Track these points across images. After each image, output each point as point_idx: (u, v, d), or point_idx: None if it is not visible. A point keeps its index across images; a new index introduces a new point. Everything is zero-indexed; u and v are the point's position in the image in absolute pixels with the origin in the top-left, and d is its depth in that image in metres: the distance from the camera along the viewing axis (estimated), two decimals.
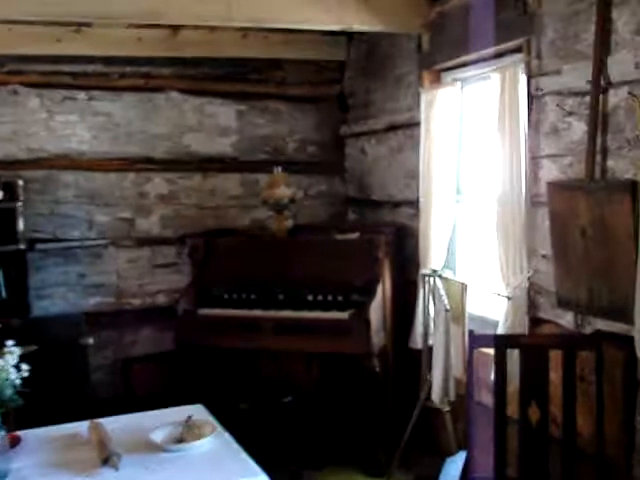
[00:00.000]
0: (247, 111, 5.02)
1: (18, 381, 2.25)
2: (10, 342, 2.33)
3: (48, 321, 4.39)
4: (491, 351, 3.02)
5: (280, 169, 4.48)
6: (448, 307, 3.42)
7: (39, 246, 4.49)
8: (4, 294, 4.13)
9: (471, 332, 3.02)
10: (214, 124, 4.94)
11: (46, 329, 4.21)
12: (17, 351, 2.30)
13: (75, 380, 3.85)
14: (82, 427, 2.64)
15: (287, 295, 4.29)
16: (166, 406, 4.29)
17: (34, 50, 4.41)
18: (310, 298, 4.23)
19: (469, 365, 3.00)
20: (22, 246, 4.01)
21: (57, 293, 4.63)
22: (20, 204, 4.02)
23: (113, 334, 4.74)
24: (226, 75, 4.96)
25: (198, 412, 2.78)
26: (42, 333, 4.13)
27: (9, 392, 2.22)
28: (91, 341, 3.90)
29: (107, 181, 4.70)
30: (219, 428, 2.59)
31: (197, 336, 4.28)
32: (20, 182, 4.21)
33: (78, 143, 4.63)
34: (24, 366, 2.28)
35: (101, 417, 3.78)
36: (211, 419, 2.68)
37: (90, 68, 4.65)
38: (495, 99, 3.39)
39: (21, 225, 3.98)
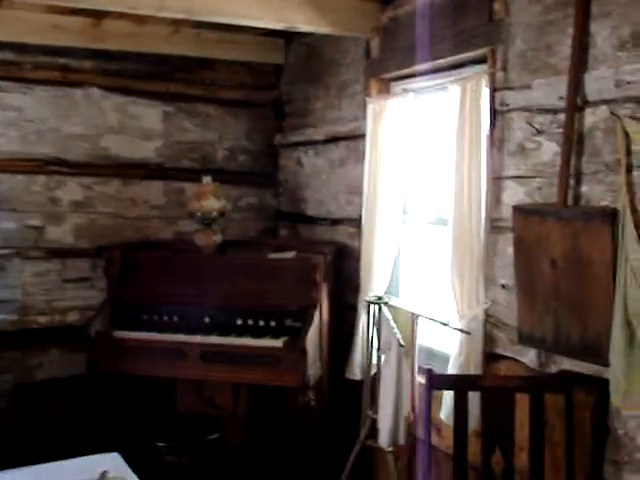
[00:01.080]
0: (174, 113, 4.60)
1: None
2: None
3: None
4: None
5: (209, 178, 4.09)
6: (402, 342, 3.08)
7: None
8: None
9: (429, 371, 2.69)
10: (137, 126, 4.50)
11: None
12: None
13: None
14: None
15: (214, 318, 3.91)
16: (73, 438, 3.90)
17: None
18: (240, 322, 3.86)
19: (426, 407, 2.67)
20: None
21: None
22: None
23: (15, 356, 4.23)
24: (153, 73, 4.53)
25: (114, 463, 2.36)
26: None
27: None
28: None
29: (14, 184, 4.20)
30: None
31: (112, 361, 3.86)
32: None
33: None
34: None
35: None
36: (130, 474, 2.26)
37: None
38: (454, 113, 3.09)
39: None
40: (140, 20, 4.06)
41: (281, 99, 4.91)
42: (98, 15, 3.95)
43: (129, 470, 2.32)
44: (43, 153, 4.25)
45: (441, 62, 3.37)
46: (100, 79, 4.41)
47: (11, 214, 4.19)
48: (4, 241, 4.18)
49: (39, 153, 4.24)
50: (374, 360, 3.39)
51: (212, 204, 4.02)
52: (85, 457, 2.45)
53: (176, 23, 4.13)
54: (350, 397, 3.80)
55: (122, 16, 3.87)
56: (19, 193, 4.20)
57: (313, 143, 4.50)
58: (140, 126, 4.50)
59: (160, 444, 3.58)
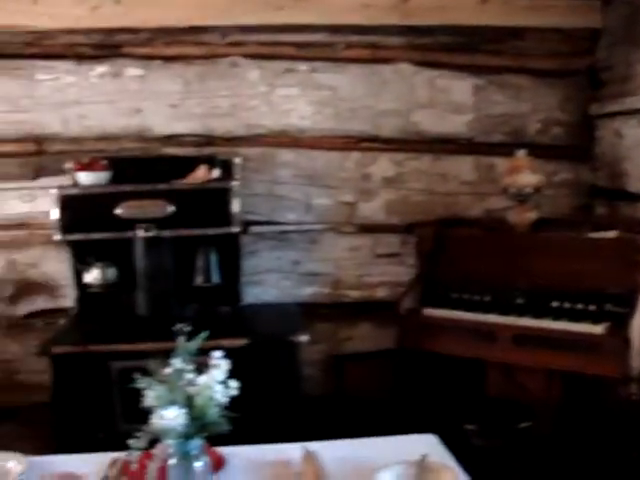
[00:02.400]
0: (484, 86, 4.43)
1: (224, 400, 1.86)
2: (217, 354, 1.95)
3: (260, 310, 4.09)
4: None
5: (524, 152, 3.88)
6: None
7: (253, 229, 4.19)
8: (218, 279, 3.86)
9: None
10: (447, 100, 4.39)
11: (257, 319, 3.90)
12: (225, 365, 1.91)
13: (285, 378, 3.48)
14: (294, 453, 2.22)
15: (528, 300, 3.69)
16: (379, 412, 3.93)
17: (255, 20, 4.11)
18: (555, 305, 3.62)
19: None
20: (236, 229, 3.69)
21: (270, 280, 4.33)
22: (236, 184, 3.70)
23: (328, 328, 4.36)
24: (461, 45, 4.38)
25: (430, 445, 2.29)
26: (252, 323, 3.83)
27: (214, 414, 1.83)
28: (306, 338, 3.51)
29: (328, 161, 4.31)
30: (462, 476, 2.08)
31: (420, 339, 3.83)
32: (237, 160, 3.91)
33: (299, 119, 4.27)
34: (232, 383, 1.88)
35: (311, 418, 3.47)
36: (449, 460, 2.18)
37: (313, 38, 4.26)
38: None
39: (236, 206, 3.66)
40: None
41: (597, 66, 4.54)
42: None
43: (447, 454, 2.24)
44: (356, 130, 4.30)
45: None
46: (409, 54, 4.36)
47: (325, 190, 4.30)
48: (318, 216, 4.31)
49: (352, 130, 4.30)
50: None
51: (527, 179, 3.81)
52: (400, 436, 2.40)
53: None
54: None
55: None
56: (333, 169, 4.31)
57: (635, 112, 4.10)
58: (450, 100, 4.39)
59: (469, 426, 3.47)
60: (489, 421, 3.55)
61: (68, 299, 4.14)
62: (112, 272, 3.82)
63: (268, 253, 4.30)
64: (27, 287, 4.23)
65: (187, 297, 3.89)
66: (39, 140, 4.16)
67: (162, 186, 3.68)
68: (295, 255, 4.33)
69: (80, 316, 3.92)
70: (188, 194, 3.71)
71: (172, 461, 1.89)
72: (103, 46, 4.15)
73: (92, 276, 3.81)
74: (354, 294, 4.41)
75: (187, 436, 1.84)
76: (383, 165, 4.35)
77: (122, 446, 3.42)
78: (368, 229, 4.37)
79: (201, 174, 3.77)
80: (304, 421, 3.56)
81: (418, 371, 4.10)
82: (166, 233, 3.67)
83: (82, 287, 3.87)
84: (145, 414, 3.28)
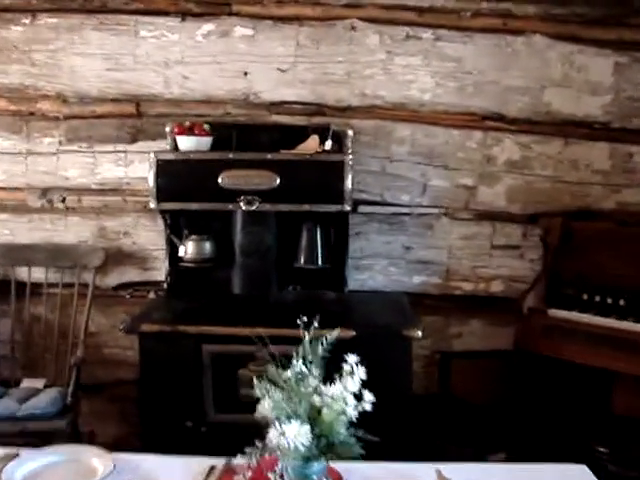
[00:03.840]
0: (627, 65, 3.94)
1: (355, 415, 1.51)
2: (352, 358, 1.60)
3: (367, 298, 3.74)
4: None
5: None
6: None
7: (362, 208, 3.83)
8: (321, 261, 3.53)
9: None
10: (583, 79, 3.91)
11: (364, 308, 3.55)
12: (361, 374, 1.56)
13: (395, 376, 3.12)
14: (424, 474, 1.87)
15: None
16: (487, 417, 3.56)
17: None
18: None
19: None
20: (347, 207, 3.35)
21: (377, 266, 3.95)
22: (351, 158, 3.35)
23: (435, 322, 3.98)
24: (604, 18, 3.90)
25: (583, 478, 1.90)
26: (360, 313, 3.48)
27: (343, 434, 1.48)
28: (419, 333, 3.14)
29: (449, 139, 3.90)
30: None
31: (542, 342, 3.45)
32: (350, 132, 3.56)
33: (419, 91, 3.86)
34: (368, 396, 1.53)
35: (419, 420, 3.12)
36: None
37: (439, 3, 3.84)
38: None
39: (350, 182, 3.31)
40: None
41: None
42: None
43: None
44: (480, 107, 3.88)
45: None
46: (544, 26, 3.89)
47: (443, 171, 3.90)
48: (434, 199, 3.92)
49: (476, 107, 3.88)
50: None
51: None
52: (545, 465, 2.03)
53: None
54: None
55: None
56: (453, 149, 3.90)
57: None
58: (587, 79, 3.92)
59: (600, 449, 3.06)
60: (617, 442, 3.13)
61: (159, 272, 3.88)
62: (208, 246, 3.56)
63: (377, 236, 3.93)
64: (117, 257, 3.98)
65: (287, 279, 3.58)
66: (138, 101, 3.89)
67: (269, 156, 3.36)
68: (406, 240, 3.94)
69: (171, 292, 3.65)
70: (297, 166, 3.37)
71: None
72: (210, 3, 3.84)
73: (186, 249, 3.53)
74: (467, 287, 4.00)
75: (309, 458, 1.50)
76: (508, 147, 3.91)
77: (212, 438, 3.18)
78: (487, 216, 3.95)
79: (312, 145, 3.44)
80: (412, 422, 3.22)
81: (534, 376, 3.70)
82: (270, 207, 3.35)
83: (175, 260, 3.61)
84: (239, 405, 3.00)
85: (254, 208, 3.32)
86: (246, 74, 3.85)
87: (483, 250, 3.97)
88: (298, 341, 3.14)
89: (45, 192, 3.98)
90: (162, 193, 3.40)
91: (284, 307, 3.42)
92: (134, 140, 3.90)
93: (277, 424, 1.48)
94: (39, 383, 3.62)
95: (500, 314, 3.92)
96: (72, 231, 4.00)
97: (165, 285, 3.67)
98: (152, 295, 3.98)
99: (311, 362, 1.62)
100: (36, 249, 3.90)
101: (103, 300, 3.98)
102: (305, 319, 1.77)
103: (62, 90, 3.91)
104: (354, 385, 1.54)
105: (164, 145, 3.64)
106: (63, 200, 3.97)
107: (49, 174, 3.97)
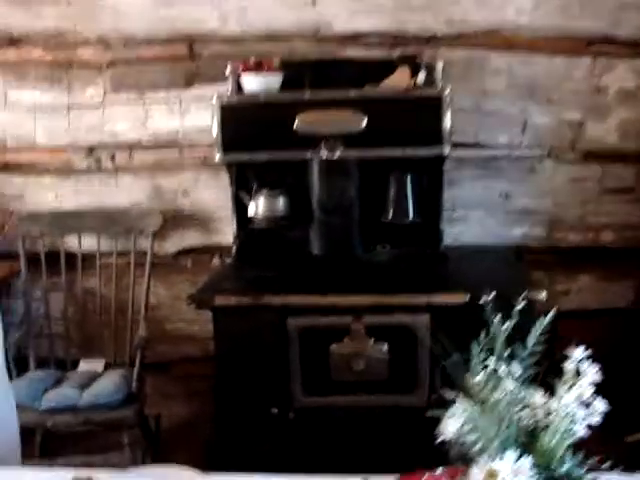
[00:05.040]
0: None
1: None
2: (579, 351, 1.13)
3: (468, 255, 3.24)
4: None
5: None
6: None
7: (454, 152, 3.32)
8: (412, 216, 3.06)
9: None
10: None
11: (468, 268, 3.06)
12: (596, 375, 1.08)
13: None
14: None
15: None
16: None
17: None
18: None
19: None
20: (446, 150, 2.86)
21: (473, 217, 3.45)
22: (448, 92, 2.85)
23: (540, 278, 3.45)
24: None
25: None
26: (465, 274, 3.00)
27: (569, 463, 1.02)
28: (544, 296, 2.66)
29: (551, 68, 3.35)
30: None
31: None
32: (440, 64, 3.05)
33: (515, 14, 3.31)
34: (598, 403, 1.06)
35: None
36: None
37: None
38: None
39: (448, 121, 2.82)
40: None
41: None
42: None
43: None
44: (587, 29, 3.33)
45: None
46: None
47: (545, 106, 3.37)
48: (536, 139, 3.39)
49: (583, 29, 3.32)
50: None
51: None
52: None
53: None
54: None
55: None
56: (556, 79, 3.35)
57: None
58: None
59: None
60: None
61: (225, 236, 3.42)
62: (282, 202, 3.09)
63: (471, 183, 3.42)
64: (176, 220, 3.53)
65: (374, 237, 3.11)
66: (192, 40, 3.40)
67: (353, 93, 2.87)
68: (505, 186, 3.42)
69: (240, 257, 3.20)
70: (388, 104, 2.88)
71: None
72: None
73: (257, 207, 3.07)
74: (574, 238, 3.49)
75: None
76: (621, 75, 3.34)
77: (301, 426, 2.76)
78: (596, 156, 3.40)
79: (401, 78, 2.94)
80: None
81: None
82: (356, 153, 2.88)
83: (244, 220, 3.15)
84: (331, 386, 2.56)
85: (337, 155, 2.84)
86: (314, 3, 3.33)
87: (592, 195, 3.43)
88: (397, 309, 2.74)
89: (91, 150, 3.54)
90: (226, 143, 2.97)
91: (377, 270, 2.96)
92: (189, 85, 3.43)
93: (482, 458, 1.03)
94: (98, 365, 3.22)
95: (613, 268, 3.44)
96: (124, 193, 3.55)
97: (233, 250, 3.21)
98: (216, 262, 3.53)
99: (511, 356, 1.16)
100: (85, 215, 3.48)
101: (162, 269, 3.55)
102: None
103: (104, 33, 3.44)
104: (587, 392, 1.07)
105: (224, 89, 3.15)
106: (112, 158, 3.53)
107: (95, 130, 3.52)
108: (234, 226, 3.20)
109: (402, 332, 2.65)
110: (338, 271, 2.92)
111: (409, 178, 3.03)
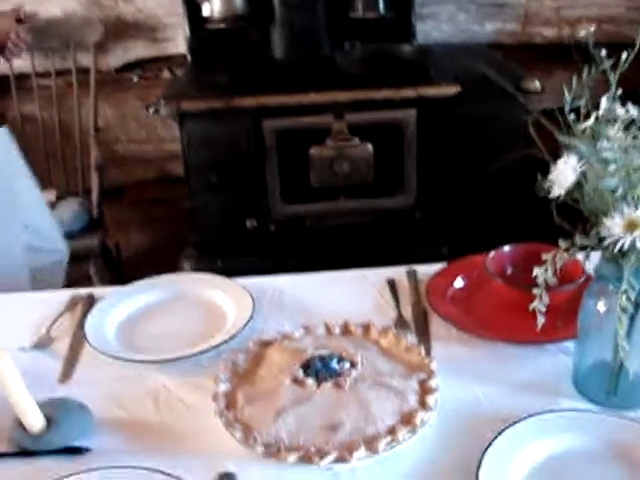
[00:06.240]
0: None
1: None
2: None
3: (449, 51, 2.99)
4: None
5: None
6: None
7: None
8: (383, 9, 2.79)
9: None
10: None
11: (453, 63, 2.81)
12: None
13: (507, 140, 2.44)
14: None
15: None
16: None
17: None
18: None
19: None
20: None
21: (443, 13, 3.19)
22: None
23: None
24: None
25: None
26: (450, 67, 2.75)
27: None
28: (539, 86, 2.47)
29: None
30: None
31: None
32: None
33: None
34: None
35: None
36: None
37: None
38: None
39: None
40: None
41: None
42: None
43: None
44: None
45: None
46: None
47: None
48: None
49: None
50: None
51: None
52: None
53: None
54: None
55: None
56: None
57: None
58: None
59: None
60: None
61: (175, 43, 3.09)
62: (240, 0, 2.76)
63: None
64: (118, 29, 3.15)
65: (341, 33, 2.85)
66: None
67: None
68: None
69: (196, 64, 2.90)
70: None
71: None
72: None
73: (212, 6, 2.75)
74: (548, 33, 3.28)
75: None
76: None
77: (282, 238, 2.57)
78: None
79: None
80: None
81: None
82: None
83: (198, 22, 2.82)
84: (311, 193, 2.35)
85: None
86: None
87: None
88: (381, 105, 2.52)
89: None
90: None
91: (353, 67, 2.71)
92: None
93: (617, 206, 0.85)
94: (50, 195, 2.92)
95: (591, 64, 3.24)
96: (54, 1, 3.14)
97: (188, 57, 2.90)
98: (167, 74, 3.21)
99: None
100: None
101: (105, 86, 3.20)
102: None
103: None
104: None
105: None
106: None
107: None
108: (186, 29, 2.87)
109: (387, 130, 2.45)
110: (310, 71, 2.66)
111: None
